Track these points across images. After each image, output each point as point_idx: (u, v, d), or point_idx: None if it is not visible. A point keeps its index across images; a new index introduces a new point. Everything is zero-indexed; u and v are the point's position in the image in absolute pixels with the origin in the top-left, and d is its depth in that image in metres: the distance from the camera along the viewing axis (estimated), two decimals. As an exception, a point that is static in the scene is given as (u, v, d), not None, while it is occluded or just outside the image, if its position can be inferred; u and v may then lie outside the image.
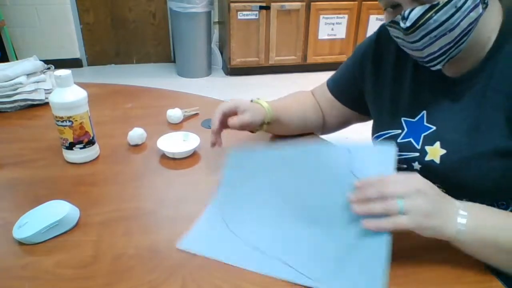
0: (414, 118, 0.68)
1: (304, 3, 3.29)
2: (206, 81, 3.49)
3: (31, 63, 1.10)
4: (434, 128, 0.65)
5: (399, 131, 0.69)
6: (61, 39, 3.44)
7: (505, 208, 0.63)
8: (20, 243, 0.56)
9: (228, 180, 0.67)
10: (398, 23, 0.55)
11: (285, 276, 0.51)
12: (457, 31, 0.53)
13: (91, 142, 0.78)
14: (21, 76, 1.04)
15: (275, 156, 0.66)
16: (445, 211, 0.50)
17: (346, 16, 3.45)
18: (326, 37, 3.49)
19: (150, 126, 0.88)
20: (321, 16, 3.38)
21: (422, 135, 0.66)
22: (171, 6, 3.22)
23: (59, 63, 3.19)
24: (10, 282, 0.50)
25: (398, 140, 0.67)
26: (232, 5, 3.17)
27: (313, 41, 3.47)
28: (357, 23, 3.51)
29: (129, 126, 0.85)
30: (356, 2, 3.42)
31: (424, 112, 0.66)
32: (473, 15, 0.52)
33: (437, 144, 0.63)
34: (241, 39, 3.33)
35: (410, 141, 0.67)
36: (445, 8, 0.51)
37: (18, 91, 1.02)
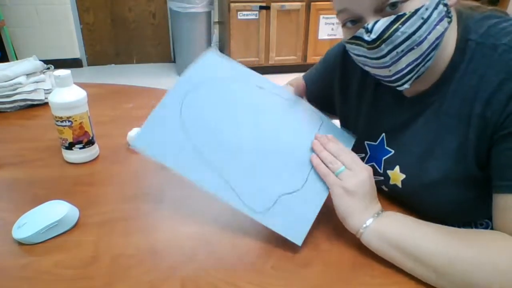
0: (375, 142, 0.67)
1: (304, 3, 3.29)
2: (206, 81, 3.48)
3: (31, 63, 1.10)
4: (393, 152, 0.63)
5: (363, 154, 0.69)
6: (61, 39, 3.43)
7: (485, 227, 0.61)
8: (20, 243, 0.56)
9: (194, 76, 0.65)
10: (360, 38, 0.50)
11: (229, 201, 0.55)
12: (425, 45, 0.49)
13: (90, 142, 0.78)
14: (20, 76, 1.04)
15: (252, 86, 0.66)
16: (364, 206, 0.53)
17: (346, 16, 3.44)
18: (326, 37, 3.48)
19: (150, 126, 0.88)
20: (321, 16, 3.38)
21: (383, 159, 0.65)
22: (171, 6, 3.21)
23: (59, 63, 3.21)
24: (9, 282, 0.50)
25: None
26: (232, 5, 3.17)
27: (313, 41, 3.47)
28: (357, 23, 3.51)
29: (129, 126, 0.85)
30: (356, 2, 3.42)
31: (384, 135, 0.65)
32: (440, 28, 0.49)
33: (397, 168, 0.63)
34: (241, 39, 3.33)
35: (373, 165, 0.66)
36: (411, 20, 0.47)
37: (17, 91, 1.02)
